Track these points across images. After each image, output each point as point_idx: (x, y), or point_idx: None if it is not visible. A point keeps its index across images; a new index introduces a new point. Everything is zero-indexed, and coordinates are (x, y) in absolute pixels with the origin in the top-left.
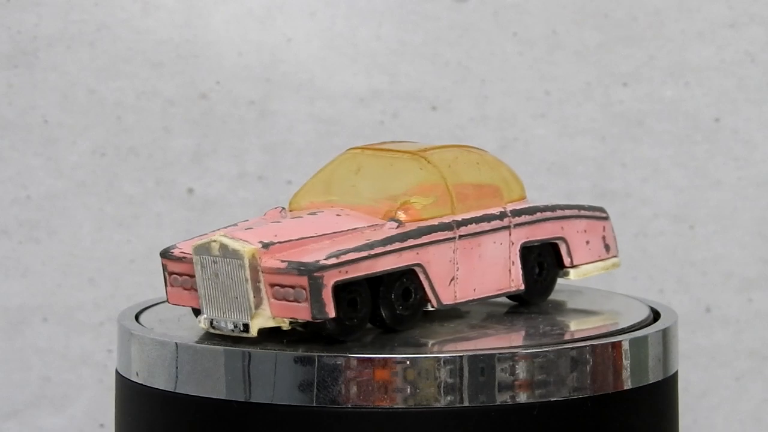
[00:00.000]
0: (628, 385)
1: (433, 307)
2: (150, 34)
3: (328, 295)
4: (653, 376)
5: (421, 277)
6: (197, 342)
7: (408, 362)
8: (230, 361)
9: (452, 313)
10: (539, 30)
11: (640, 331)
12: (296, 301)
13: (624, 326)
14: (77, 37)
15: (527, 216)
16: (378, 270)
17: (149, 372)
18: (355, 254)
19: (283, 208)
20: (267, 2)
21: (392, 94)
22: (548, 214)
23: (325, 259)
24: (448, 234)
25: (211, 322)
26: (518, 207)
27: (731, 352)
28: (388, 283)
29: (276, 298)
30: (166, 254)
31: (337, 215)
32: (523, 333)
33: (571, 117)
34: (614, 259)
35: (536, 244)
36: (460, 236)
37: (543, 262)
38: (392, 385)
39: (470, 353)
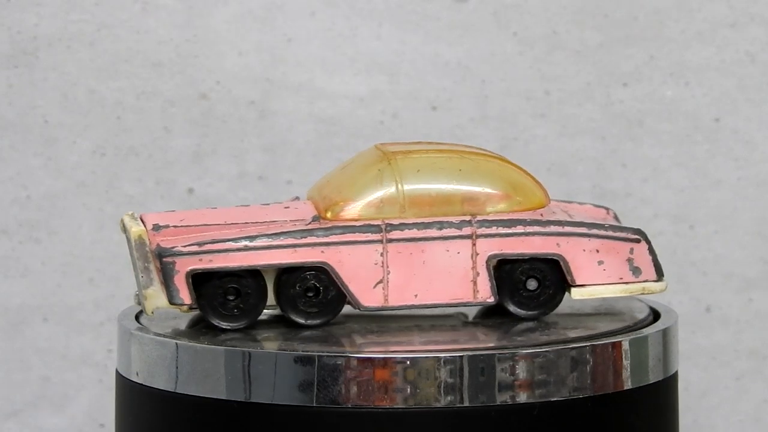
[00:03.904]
0: (628, 385)
1: (356, 308)
2: (150, 34)
3: (181, 282)
4: (653, 376)
5: (333, 276)
6: (197, 342)
7: (408, 362)
8: (230, 361)
9: (451, 314)
10: (539, 30)
11: (640, 331)
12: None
13: (624, 326)
14: (77, 37)
15: (501, 228)
16: (261, 263)
17: (149, 372)
18: (228, 244)
19: (297, 197)
20: (267, 2)
21: (392, 94)
22: (537, 228)
23: (183, 246)
24: (370, 236)
25: (137, 297)
26: (492, 218)
27: (731, 352)
28: (287, 277)
29: (161, 281)
30: None
31: (285, 207)
32: (523, 333)
33: (571, 117)
34: (647, 284)
35: (517, 258)
36: (391, 240)
37: (540, 277)
38: (392, 385)
39: (470, 353)
